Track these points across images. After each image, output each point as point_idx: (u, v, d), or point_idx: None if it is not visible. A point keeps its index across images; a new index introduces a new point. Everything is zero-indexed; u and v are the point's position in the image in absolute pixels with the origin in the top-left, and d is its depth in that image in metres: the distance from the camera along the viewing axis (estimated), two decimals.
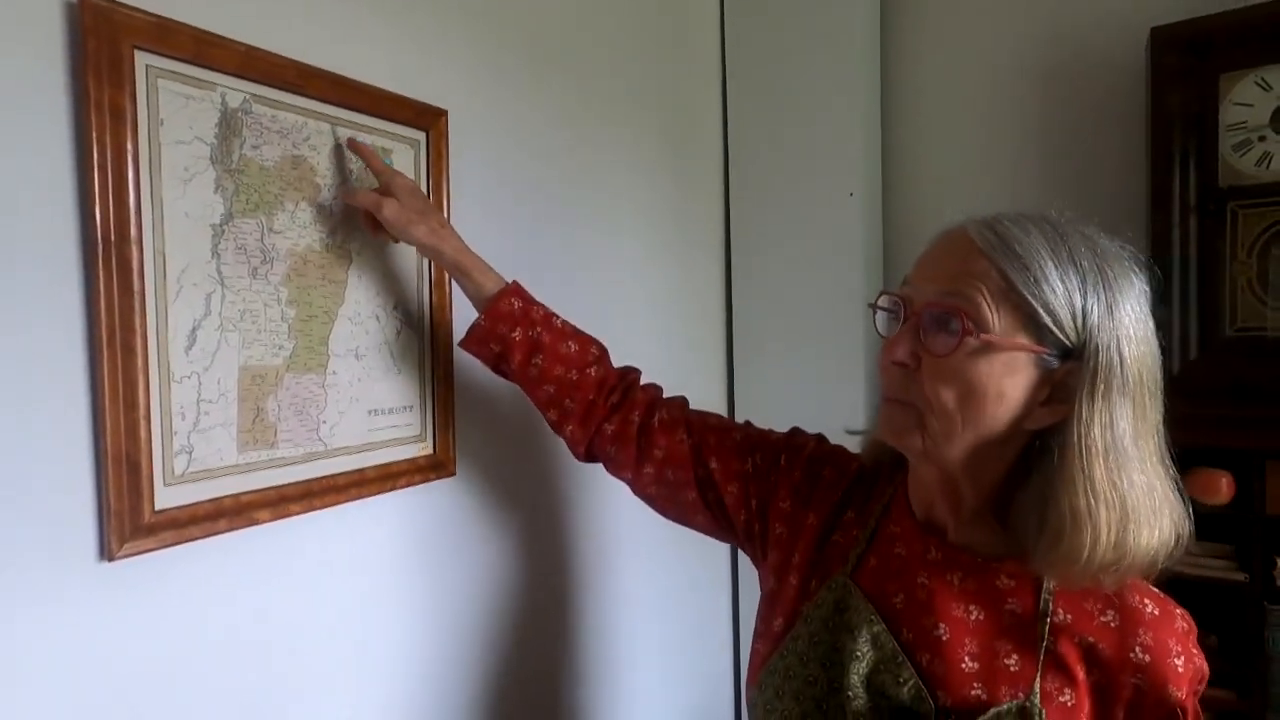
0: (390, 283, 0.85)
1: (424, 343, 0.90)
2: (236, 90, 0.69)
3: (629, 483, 0.82)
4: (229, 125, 0.69)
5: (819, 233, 1.53)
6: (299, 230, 0.75)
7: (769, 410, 1.56)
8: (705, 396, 1.57)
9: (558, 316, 0.83)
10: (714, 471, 0.76)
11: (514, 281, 0.83)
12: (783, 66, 1.55)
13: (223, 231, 0.68)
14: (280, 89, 0.72)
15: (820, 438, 0.78)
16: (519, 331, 0.80)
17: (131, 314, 0.61)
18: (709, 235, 1.59)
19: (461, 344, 0.84)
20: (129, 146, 0.61)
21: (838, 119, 1.51)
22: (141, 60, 0.62)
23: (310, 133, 0.76)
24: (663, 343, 1.42)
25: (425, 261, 0.89)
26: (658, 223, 1.40)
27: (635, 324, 1.33)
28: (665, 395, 0.85)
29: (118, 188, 0.60)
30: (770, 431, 0.80)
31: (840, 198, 1.51)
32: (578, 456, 0.83)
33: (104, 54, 0.60)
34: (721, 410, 1.63)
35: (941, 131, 1.59)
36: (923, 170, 1.61)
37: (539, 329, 0.81)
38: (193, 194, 0.66)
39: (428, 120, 0.89)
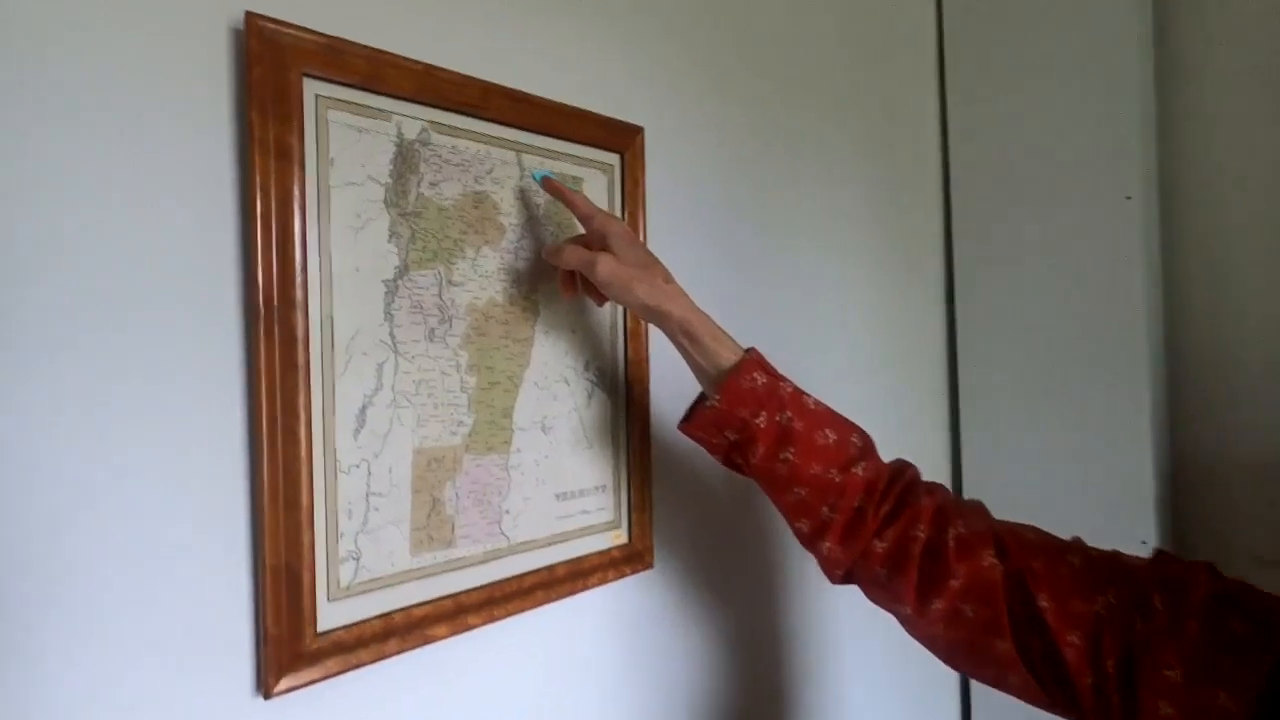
0: (580, 337, 0.71)
1: (618, 407, 0.74)
2: (414, 118, 0.58)
3: (905, 619, 0.60)
4: (405, 160, 0.58)
5: (1077, 247, 1.22)
6: (480, 281, 0.63)
7: (1016, 490, 1.25)
8: (920, 458, 1.30)
9: (808, 394, 0.63)
10: (1044, 612, 0.51)
11: (753, 350, 0.63)
12: (1019, 53, 1.27)
13: (396, 288, 0.57)
14: (460, 112, 0.61)
15: (1210, 570, 0.51)
16: (763, 417, 0.60)
17: (295, 393, 0.51)
18: (925, 255, 1.32)
19: (685, 428, 0.65)
20: (296, 191, 0.51)
21: (1098, 111, 1.20)
22: (310, 89, 0.52)
23: (493, 163, 0.64)
24: (868, 383, 1.17)
25: (619, 309, 0.75)
26: (867, 240, 1.17)
27: (834, 359, 1.11)
28: (949, 494, 0.62)
29: (283, 242, 0.50)
30: (1120, 554, 0.54)
31: (1106, 203, 1.19)
32: (833, 579, 0.62)
33: (270, 83, 0.50)
34: (944, 483, 1.34)
35: (1231, 125, 1.21)
36: (1211, 170, 1.24)
37: (789, 413, 0.60)
38: (364, 245, 0.55)
39: (622, 140, 0.74)
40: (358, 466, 0.55)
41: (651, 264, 0.63)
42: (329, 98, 0.53)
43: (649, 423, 0.76)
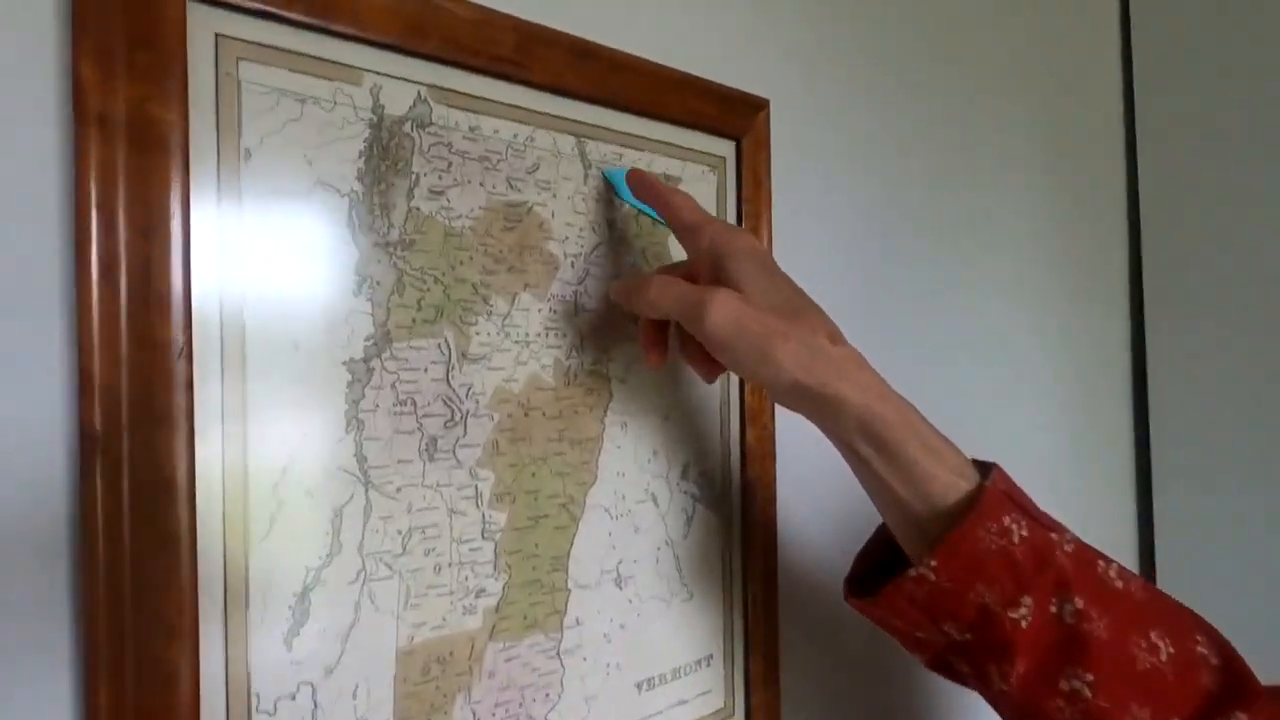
0: (677, 426, 0.45)
1: (729, 531, 0.48)
2: (402, 79, 0.34)
3: None
4: (387, 152, 0.34)
5: None
6: (517, 349, 0.38)
7: (1225, 571, 0.92)
8: (1102, 536, 0.98)
9: (1100, 556, 0.35)
10: None
11: (997, 472, 0.36)
12: (1219, 35, 0.94)
13: (370, 372, 0.33)
14: (485, 72, 0.36)
15: None
16: (1027, 606, 0.32)
17: (163, 585, 0.28)
18: (1107, 272, 1.01)
19: (862, 605, 0.38)
20: (174, 208, 0.28)
21: None
22: (204, 23, 0.29)
23: (539, 155, 0.39)
24: (1029, 432, 0.87)
25: (732, 378, 0.49)
26: (1041, 255, 0.87)
27: (985, 397, 0.81)
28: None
29: (140, 307, 0.27)
30: None
31: None
32: None
33: (120, 10, 0.27)
34: (1131, 565, 1.02)
35: None
36: None
37: (1076, 599, 0.33)
38: (309, 301, 0.31)
39: (739, 120, 0.49)
40: (293, 697, 0.31)
41: (804, 309, 0.36)
42: (242, 40, 0.30)
43: (776, 552, 0.50)
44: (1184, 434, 0.99)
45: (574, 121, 0.40)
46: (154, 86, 0.27)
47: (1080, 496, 0.92)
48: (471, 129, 0.36)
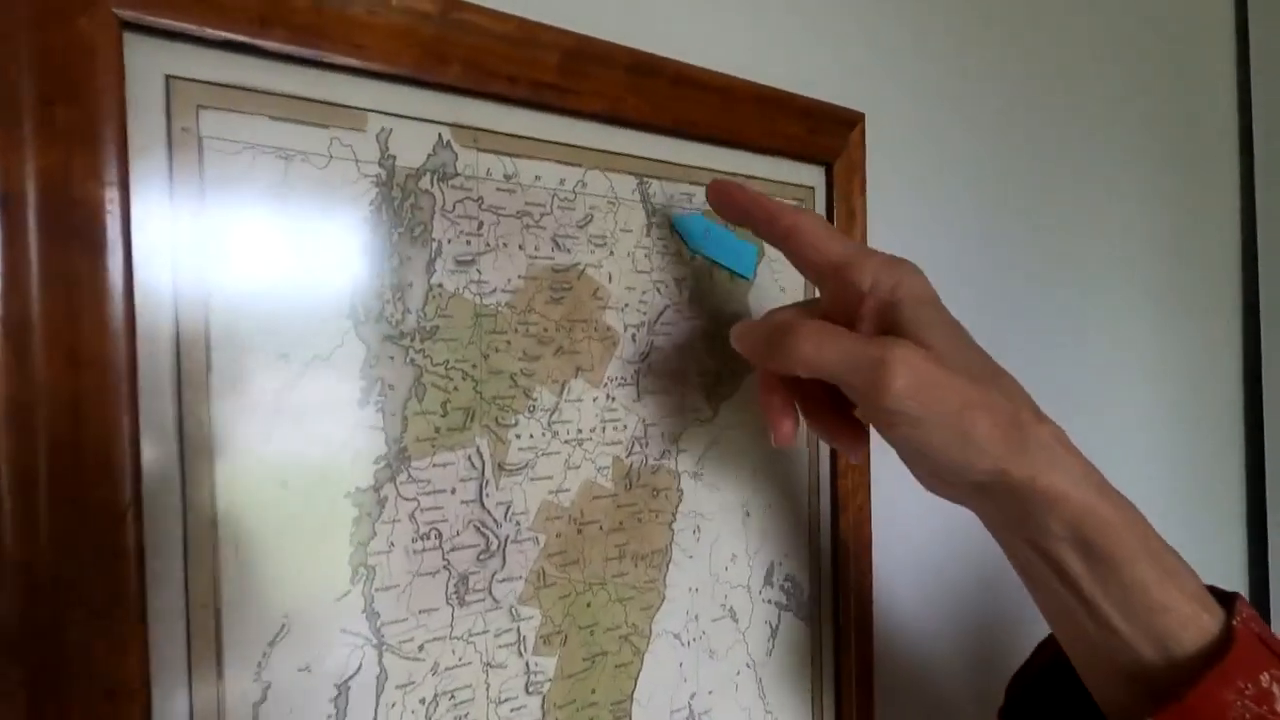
0: (759, 524, 0.37)
1: (820, 646, 0.40)
2: (416, 120, 0.26)
3: None
4: (398, 217, 0.26)
5: None
6: (568, 451, 0.30)
7: None
8: (1209, 563, 0.87)
9: None
10: None
11: (1240, 602, 0.26)
12: None
13: (379, 505, 0.25)
14: (521, 102, 0.28)
15: None
16: None
17: None
18: (1219, 292, 0.89)
19: None
20: (109, 320, 0.21)
21: None
22: (146, 59, 0.22)
23: (592, 202, 0.31)
24: (1146, 467, 0.76)
25: (822, 449, 0.41)
26: (1149, 285, 0.76)
27: (1094, 417, 0.71)
28: None
29: (70, 449, 0.20)
30: None
31: None
32: None
33: (22, 52, 0.20)
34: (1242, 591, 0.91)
35: None
36: None
37: None
38: (296, 426, 0.24)
39: (829, 141, 0.40)
40: None
41: (999, 374, 0.27)
42: (202, 82, 0.22)
43: (873, 663, 0.42)
44: None
45: (633, 157, 0.32)
46: (79, 153, 0.20)
47: (1187, 527, 0.81)
48: (507, 177, 0.29)
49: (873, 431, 0.30)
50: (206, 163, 0.22)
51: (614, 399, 0.31)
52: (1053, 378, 0.60)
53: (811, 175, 0.39)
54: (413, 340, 0.26)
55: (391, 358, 0.26)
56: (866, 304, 0.27)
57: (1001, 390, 0.26)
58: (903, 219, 0.46)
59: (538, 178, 0.29)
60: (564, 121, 0.30)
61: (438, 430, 0.27)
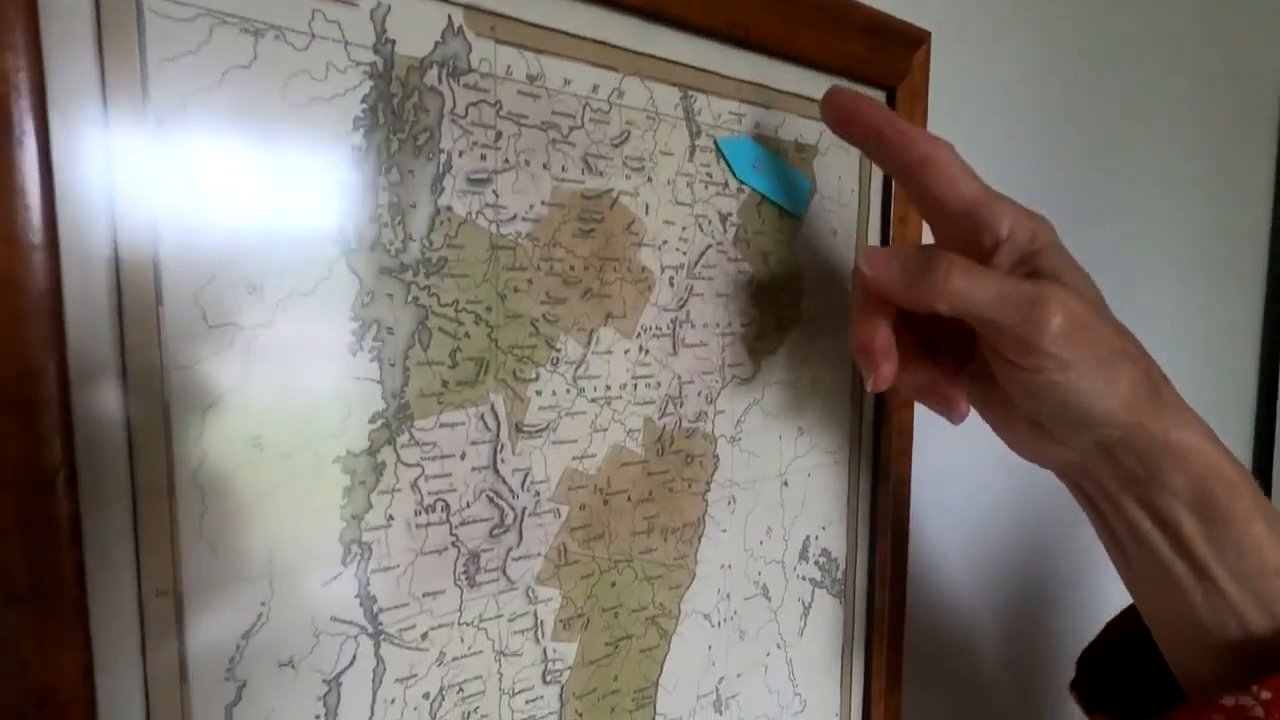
0: (797, 493, 0.33)
1: (852, 625, 0.37)
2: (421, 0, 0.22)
3: None
4: (398, 121, 0.21)
5: None
6: (595, 411, 0.25)
7: None
8: None
9: None
10: None
11: None
12: None
13: (376, 472, 0.21)
14: None
15: None
16: None
17: None
18: (1243, 258, 0.85)
19: None
20: (27, 230, 0.16)
21: None
22: None
23: (630, 115, 0.26)
24: None
25: (866, 411, 0.37)
26: (1184, 229, 0.72)
27: None
28: None
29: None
30: None
31: None
32: None
33: None
34: None
35: None
36: None
37: None
38: (273, 375, 0.20)
39: (893, 62, 0.35)
40: None
41: (1126, 329, 0.25)
42: None
43: (903, 646, 0.39)
44: None
45: (678, 65, 0.27)
46: None
47: None
48: (531, 78, 0.23)
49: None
50: (148, 35, 0.17)
51: (647, 352, 0.27)
52: None
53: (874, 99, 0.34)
54: (415, 274, 0.21)
55: (390, 295, 0.21)
56: (1004, 249, 0.25)
57: (1137, 344, 0.25)
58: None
59: (567, 81, 0.24)
60: (599, 13, 0.24)
61: (445, 384, 0.22)
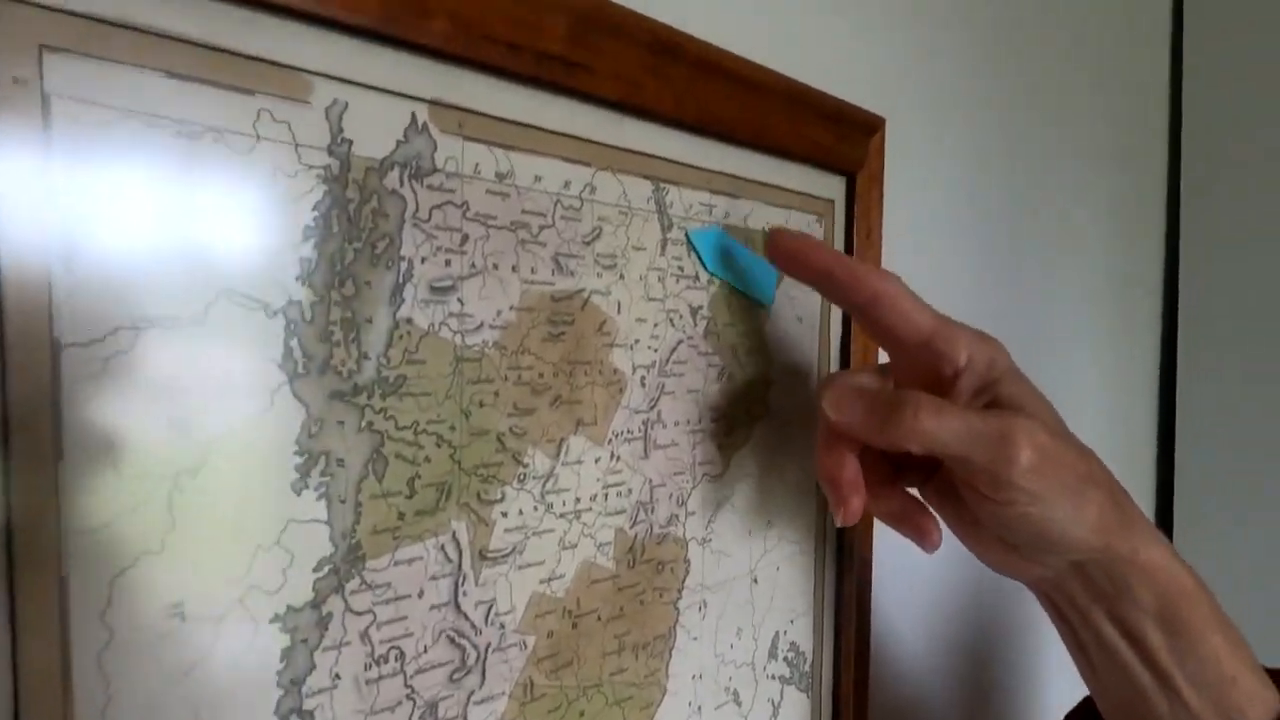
0: (767, 588, 0.31)
1: (821, 710, 0.36)
2: (383, 92, 0.19)
3: None
4: (354, 229, 0.18)
5: None
6: (564, 527, 0.23)
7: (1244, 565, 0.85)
8: None
9: None
10: None
11: None
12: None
13: (320, 627, 0.18)
14: (523, 78, 0.21)
15: None
16: None
17: None
18: (1143, 285, 0.92)
19: None
20: None
21: None
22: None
23: (602, 211, 0.24)
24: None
25: (828, 577, 0.36)
26: (1090, 254, 0.77)
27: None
28: None
29: None
30: None
31: None
32: None
33: None
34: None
35: None
36: None
37: None
38: (198, 530, 0.17)
39: (852, 148, 0.35)
40: None
41: (1084, 450, 0.25)
42: (44, 8, 0.15)
43: None
44: (1209, 450, 0.91)
45: (650, 157, 0.26)
46: None
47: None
48: (500, 176, 0.22)
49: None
50: (55, 133, 0.14)
51: (619, 458, 0.25)
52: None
53: (833, 187, 0.34)
54: (371, 396, 0.19)
55: (341, 422, 0.18)
56: (964, 380, 0.25)
57: (1097, 462, 0.25)
58: (910, 236, 0.42)
59: (538, 178, 0.22)
60: (572, 106, 0.23)
61: (402, 516, 0.20)
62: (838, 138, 0.33)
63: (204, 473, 0.16)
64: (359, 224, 0.19)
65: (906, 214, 0.41)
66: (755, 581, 0.31)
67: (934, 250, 0.46)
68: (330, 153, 0.18)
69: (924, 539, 0.27)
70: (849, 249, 0.35)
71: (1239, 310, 0.83)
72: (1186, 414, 0.85)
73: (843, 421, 0.25)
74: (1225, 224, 0.84)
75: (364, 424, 0.19)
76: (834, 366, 0.35)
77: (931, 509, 0.28)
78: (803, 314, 0.33)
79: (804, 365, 0.33)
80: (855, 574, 0.36)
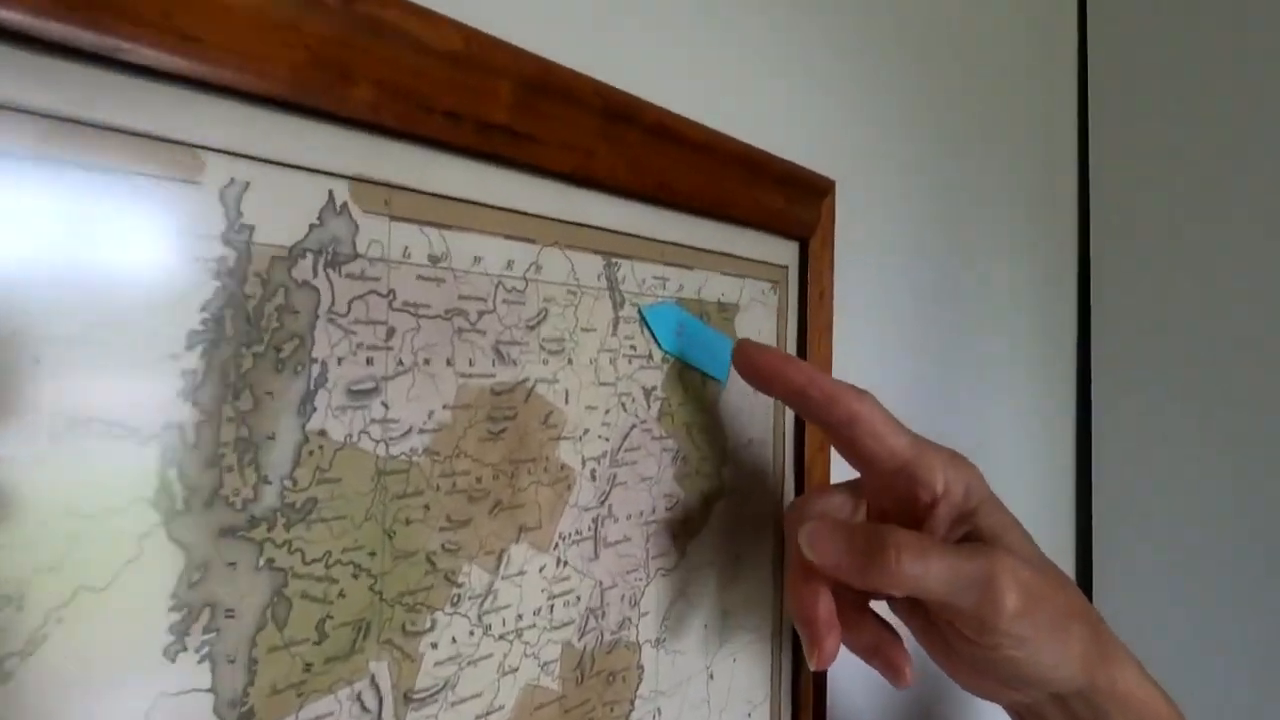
0: (722, 684, 0.29)
1: None
2: (293, 169, 0.16)
3: None
4: (252, 330, 0.15)
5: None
6: (503, 650, 0.20)
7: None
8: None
9: None
10: None
11: None
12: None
13: None
14: (463, 150, 0.20)
15: None
16: None
17: None
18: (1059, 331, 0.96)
19: None
20: None
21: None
22: None
23: (548, 292, 0.21)
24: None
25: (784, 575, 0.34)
26: (1010, 301, 0.80)
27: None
28: None
29: None
30: None
31: None
32: None
33: None
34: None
35: None
36: None
37: None
38: (45, 695, 0.13)
39: (805, 212, 0.34)
40: None
41: (1062, 578, 0.24)
42: None
43: None
44: (1124, 456, 0.95)
45: (601, 230, 0.24)
46: None
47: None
48: (434, 259, 0.19)
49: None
50: None
51: (566, 563, 0.23)
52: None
53: (787, 254, 0.33)
54: (272, 528, 0.16)
55: (232, 564, 0.15)
56: (941, 508, 0.24)
57: (1074, 591, 0.24)
58: (861, 300, 0.41)
59: (477, 259, 0.20)
60: (517, 179, 0.21)
61: (309, 668, 0.17)
62: (791, 200, 0.32)
63: (41, 652, 0.13)
64: (260, 324, 0.16)
65: (854, 274, 0.41)
66: (711, 678, 0.29)
67: (880, 308, 0.45)
68: (226, 241, 0.15)
69: (896, 675, 0.25)
70: (802, 313, 0.34)
71: (1149, 353, 0.88)
72: (1102, 455, 0.89)
73: (824, 565, 0.23)
74: (1131, 265, 0.89)
75: (262, 562, 0.16)
76: (790, 438, 0.34)
77: (904, 628, 0.26)
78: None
79: (760, 439, 0.32)
80: (810, 677, 0.34)
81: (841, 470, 0.39)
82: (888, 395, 0.44)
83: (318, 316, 0.17)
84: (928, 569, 0.21)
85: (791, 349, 0.34)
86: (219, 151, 0.15)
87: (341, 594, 0.17)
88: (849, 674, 0.39)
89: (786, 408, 0.34)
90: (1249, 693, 0.77)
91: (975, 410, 0.61)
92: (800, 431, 0.34)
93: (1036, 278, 0.75)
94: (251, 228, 0.15)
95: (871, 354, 0.43)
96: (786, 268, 0.33)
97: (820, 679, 0.35)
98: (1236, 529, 0.79)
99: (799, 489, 0.34)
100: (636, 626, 0.25)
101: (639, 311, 0.25)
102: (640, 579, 0.26)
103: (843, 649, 0.25)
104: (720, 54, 0.31)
